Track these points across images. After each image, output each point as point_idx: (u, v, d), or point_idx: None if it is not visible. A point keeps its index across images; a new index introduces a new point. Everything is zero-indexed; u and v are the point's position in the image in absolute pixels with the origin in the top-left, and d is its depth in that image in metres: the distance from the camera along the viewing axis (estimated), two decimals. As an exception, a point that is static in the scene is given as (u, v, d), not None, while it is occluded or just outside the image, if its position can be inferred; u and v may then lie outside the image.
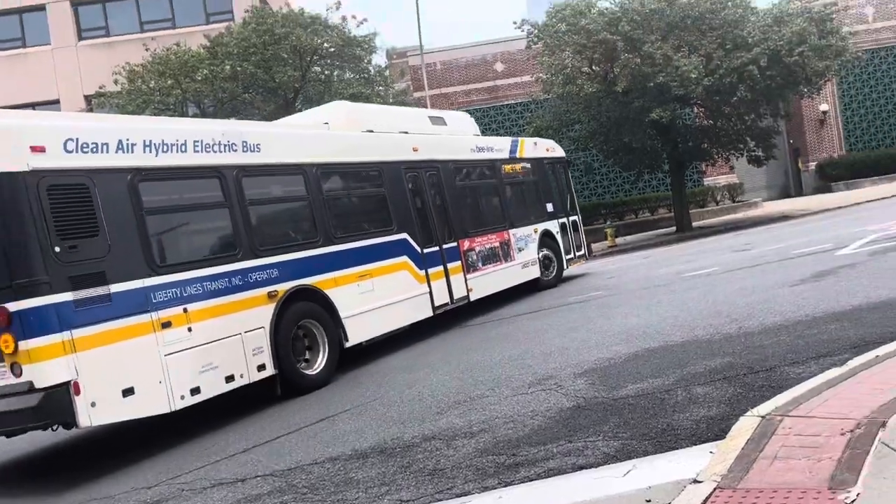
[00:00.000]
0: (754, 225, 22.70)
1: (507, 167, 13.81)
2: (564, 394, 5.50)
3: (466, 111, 30.25)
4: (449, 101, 32.67)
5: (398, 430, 5.43)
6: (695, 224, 25.83)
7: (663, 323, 7.57)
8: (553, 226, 14.60)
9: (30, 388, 5.79)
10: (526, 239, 13.63)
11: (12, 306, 5.78)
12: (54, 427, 6.28)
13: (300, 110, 22.02)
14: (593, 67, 23.68)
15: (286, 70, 21.30)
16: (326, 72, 24.15)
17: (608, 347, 6.85)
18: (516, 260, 13.10)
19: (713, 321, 7.14)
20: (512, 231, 13.18)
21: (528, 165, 14.53)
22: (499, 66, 33.62)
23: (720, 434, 3.92)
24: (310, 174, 9.00)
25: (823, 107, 34.47)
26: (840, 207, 23.00)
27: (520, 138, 15.35)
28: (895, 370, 4.11)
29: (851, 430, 3.30)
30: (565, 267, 14.78)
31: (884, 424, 3.26)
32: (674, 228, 25.56)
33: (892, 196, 23.39)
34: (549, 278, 14.12)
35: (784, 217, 23.41)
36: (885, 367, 4.22)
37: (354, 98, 21.67)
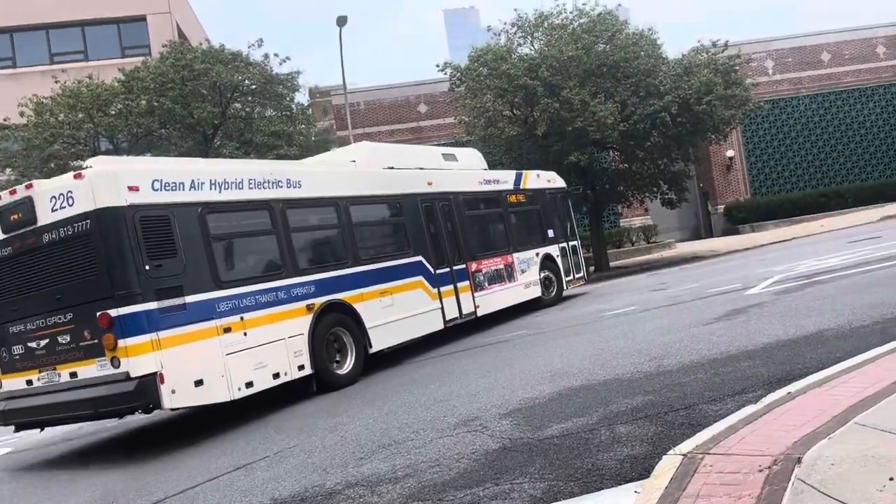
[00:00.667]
0: (668, 265, 23.50)
1: (512, 197, 15.35)
2: (490, 435, 5.46)
3: (390, 151, 30.03)
4: (372, 140, 32.74)
5: (320, 478, 5.24)
6: (612, 264, 26.52)
7: (586, 362, 7.66)
8: (553, 250, 16.14)
9: (126, 377, 7.31)
10: (528, 262, 15.08)
11: (114, 312, 7.36)
12: (142, 411, 7.75)
13: (219, 147, 21.62)
14: (514, 111, 24.27)
15: (205, 106, 20.89)
16: (247, 109, 23.81)
17: (532, 387, 6.86)
18: (519, 280, 14.55)
19: (633, 359, 7.26)
20: (515, 255, 14.66)
21: (531, 195, 15.94)
22: (422, 108, 34.07)
23: (644, 473, 3.95)
24: (341, 205, 10.66)
25: (730, 153, 36.36)
26: (747, 249, 24.13)
27: (524, 171, 16.57)
28: (807, 406, 4.25)
29: (769, 467, 3.38)
30: (565, 287, 16.29)
31: (799, 461, 3.35)
32: (592, 268, 26.17)
33: (794, 238, 24.74)
34: (550, 297, 15.60)
35: (696, 257, 24.36)
36: (797, 403, 4.37)
37: (276, 136, 21.47)
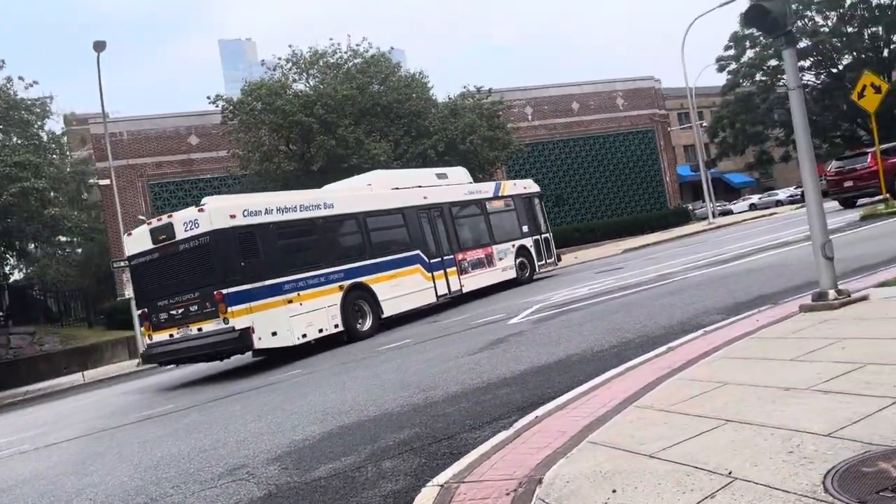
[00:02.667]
0: (443, 297, 24.37)
1: (492, 203, 20.07)
2: (256, 482, 5.27)
3: (157, 184, 28.48)
4: (137, 172, 30.65)
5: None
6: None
7: (358, 398, 7.70)
8: (528, 242, 20.82)
9: (233, 330, 12.49)
10: (505, 251, 19.84)
11: (224, 291, 12.52)
12: (237, 353, 13.65)
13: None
14: (290, 146, 24.10)
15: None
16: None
17: (303, 428, 6.75)
18: (497, 266, 19.41)
19: (404, 393, 7.44)
20: (494, 246, 19.49)
21: (508, 200, 20.65)
22: (193, 140, 32.56)
23: (406, 507, 4.04)
24: (360, 218, 15.88)
25: (496, 191, 38.78)
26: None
27: (502, 181, 21.72)
28: (551, 429, 4.63)
29: (515, 490, 3.62)
30: (537, 270, 21.17)
31: (540, 481, 3.63)
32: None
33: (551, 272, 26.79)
34: (524, 278, 20.29)
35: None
36: (543, 426, 4.74)
37: (20, 167, 19.34)
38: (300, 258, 14.40)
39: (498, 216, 20.13)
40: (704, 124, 49.51)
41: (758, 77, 49.12)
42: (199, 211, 13.04)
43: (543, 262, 21.39)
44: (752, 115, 48.60)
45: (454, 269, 18.00)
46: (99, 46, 22.21)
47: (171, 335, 13.60)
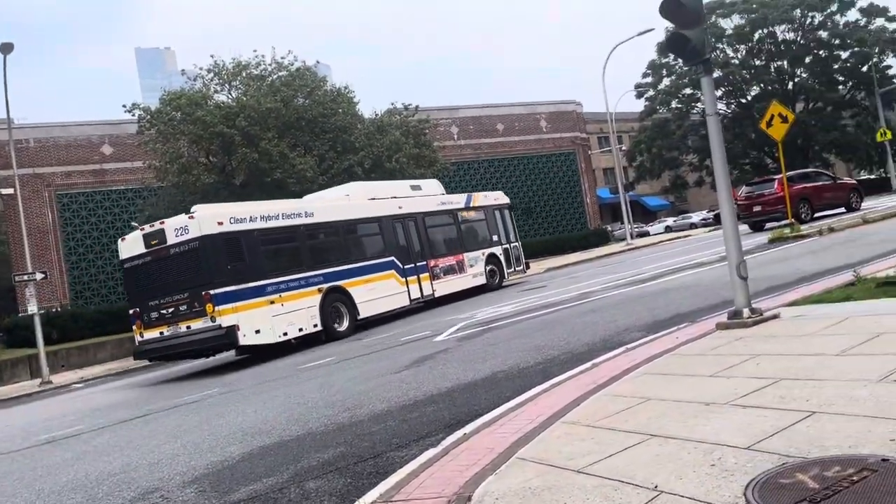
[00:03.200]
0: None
1: (463, 213, 21.39)
2: (171, 507, 5.02)
3: (66, 195, 27.48)
4: (44, 182, 29.25)
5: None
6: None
7: (280, 417, 7.48)
8: (498, 250, 22.15)
9: (220, 328, 13.62)
10: (476, 259, 21.11)
11: (212, 291, 13.65)
12: (223, 350, 15.22)
13: None
14: (210, 158, 23.48)
15: None
16: None
17: (222, 449, 6.50)
18: (468, 272, 20.71)
19: (328, 411, 7.28)
20: (465, 254, 20.77)
21: (479, 210, 21.95)
22: (106, 149, 31.33)
23: (331, 529, 3.92)
24: (339, 226, 17.12)
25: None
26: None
27: (474, 193, 22.77)
28: (479, 446, 4.60)
29: (444, 508, 3.56)
30: (506, 277, 22.45)
31: (469, 499, 3.59)
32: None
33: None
34: (494, 284, 21.64)
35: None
36: (471, 443, 4.71)
37: None
38: (282, 262, 15.68)
39: (469, 226, 21.67)
40: (623, 148, 51.20)
41: (673, 104, 51.24)
42: (189, 218, 14.40)
43: (512, 269, 22.91)
44: (668, 141, 50.55)
45: (427, 274, 19.36)
46: (6, 48, 21.14)
47: (161, 333, 14.78)
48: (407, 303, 18.47)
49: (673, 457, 3.58)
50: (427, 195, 20.93)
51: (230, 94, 24.35)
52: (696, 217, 56.18)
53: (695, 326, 7.43)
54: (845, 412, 3.69)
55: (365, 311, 16.94)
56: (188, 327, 14.27)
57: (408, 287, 18.47)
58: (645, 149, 52.59)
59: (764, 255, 15.18)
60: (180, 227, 14.30)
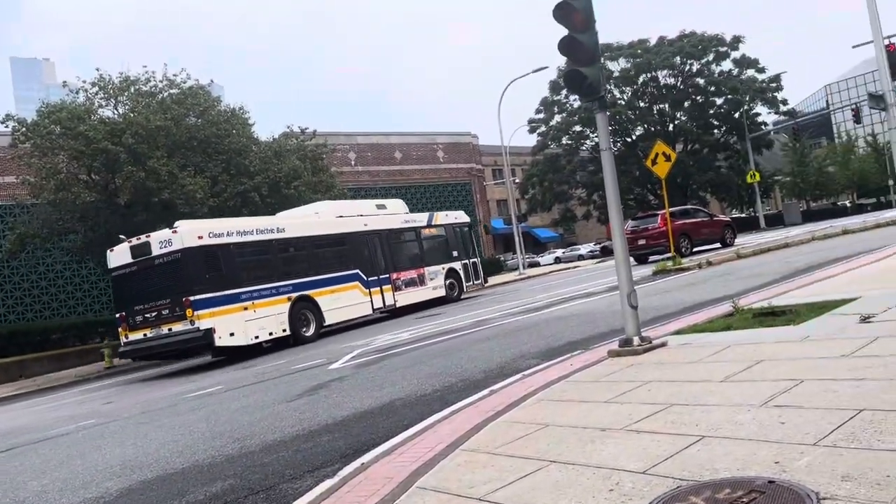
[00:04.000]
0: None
1: (425, 230, 23.40)
2: (38, 551, 4.59)
3: (-75, 210, 25.59)
4: None
5: None
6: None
7: (163, 450, 7.06)
8: (457, 265, 24.11)
9: (198, 330, 15.38)
10: (436, 273, 23.02)
11: (192, 298, 15.45)
12: (202, 352, 17.26)
13: None
14: (92, 176, 22.27)
15: None
16: None
17: (98, 484, 6.04)
18: (429, 285, 22.60)
19: (216, 443, 6.93)
20: (426, 268, 22.68)
21: (440, 228, 23.92)
22: (-25, 163, 29.05)
23: (220, 568, 3.69)
24: (307, 241, 18.89)
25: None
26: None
27: (435, 212, 24.90)
28: (377, 475, 4.48)
29: (343, 541, 3.43)
30: (465, 290, 24.60)
31: (370, 530, 3.47)
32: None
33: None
34: (453, 296, 23.67)
35: (284, 334, 24.71)
36: (369, 473, 4.59)
37: None
38: (255, 273, 17.38)
39: (430, 242, 23.50)
40: (517, 181, 52.57)
41: (564, 140, 53.26)
42: (172, 232, 16.13)
43: (471, 283, 25.01)
44: (559, 175, 52.39)
45: (389, 286, 21.15)
46: None
47: (144, 335, 16.51)
48: (370, 312, 20.49)
49: (572, 482, 3.61)
50: (391, 213, 22.83)
51: (116, 109, 23.22)
52: (583, 249, 58.31)
53: (588, 353, 7.62)
54: (732, 436, 3.84)
55: (330, 319, 18.97)
56: (170, 329, 16.07)
57: (371, 298, 20.37)
58: (537, 182, 54.27)
59: (650, 285, 15.87)
60: (164, 240, 16.14)
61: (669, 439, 4.00)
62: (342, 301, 19.26)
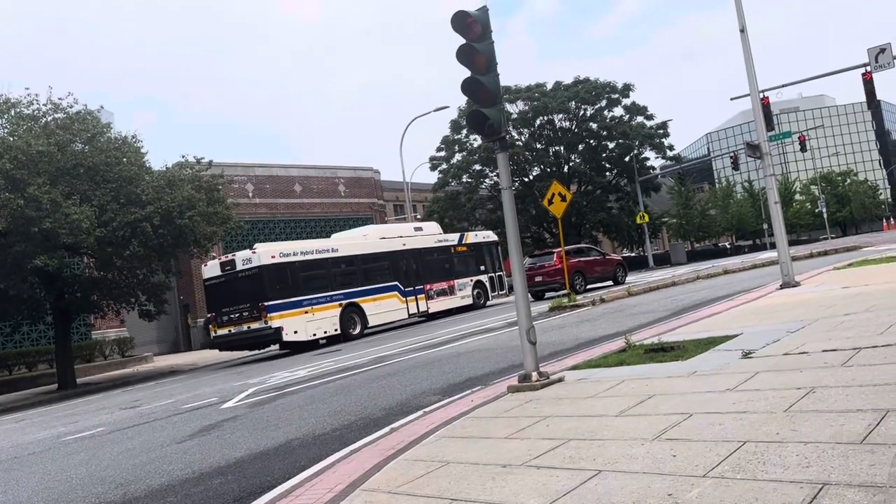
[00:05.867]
0: (145, 380, 22.35)
1: (456, 248, 27.61)
2: None
3: None
4: None
5: None
6: (81, 380, 24.06)
7: (35, 498, 6.54)
8: (484, 278, 28.40)
9: (271, 328, 20.64)
10: (465, 284, 27.39)
11: (267, 303, 20.72)
12: (275, 345, 22.62)
13: None
14: (-36, 202, 20.66)
15: None
16: None
17: (-41, 540, 5.52)
18: (457, 295, 26.99)
19: (97, 489, 6.49)
20: (456, 280, 27.01)
21: (469, 246, 28.05)
22: None
23: None
24: (356, 258, 23.66)
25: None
26: (224, 361, 24.54)
27: (466, 232, 29.99)
28: (274, 519, 4.31)
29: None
30: (490, 299, 28.65)
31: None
32: (56, 386, 23.27)
33: (268, 351, 26.05)
34: (480, 304, 27.73)
35: (174, 371, 23.74)
36: (266, 517, 4.41)
37: None
38: (314, 284, 22.17)
39: (460, 258, 27.60)
40: (418, 217, 52.87)
41: (464, 178, 54.14)
42: (252, 252, 21.22)
43: (496, 293, 28.99)
44: (459, 212, 53.08)
45: (423, 295, 25.67)
46: None
47: (229, 331, 21.59)
48: (406, 316, 25.03)
49: (474, 520, 3.59)
50: (426, 234, 27.21)
51: (-7, 132, 21.77)
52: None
53: (488, 389, 7.67)
54: (628, 470, 3.95)
55: (373, 321, 23.63)
56: (249, 327, 21.10)
57: (407, 305, 24.95)
58: (437, 219, 54.73)
59: (547, 321, 16.24)
60: (246, 259, 21.24)
61: (568, 474, 4.07)
62: (383, 307, 23.97)
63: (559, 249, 24.33)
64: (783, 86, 33.63)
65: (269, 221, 41.32)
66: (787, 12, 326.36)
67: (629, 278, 30.99)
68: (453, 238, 28.16)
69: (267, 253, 21.16)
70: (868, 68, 28.37)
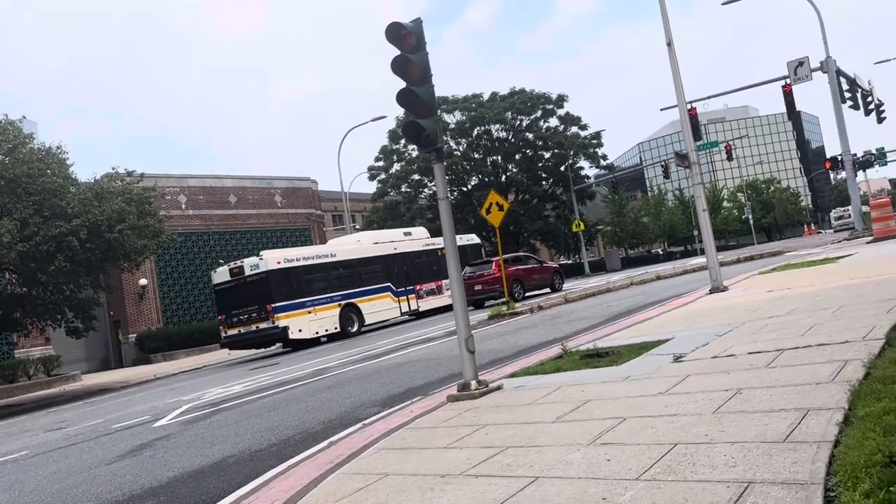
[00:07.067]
0: (73, 399, 21.49)
1: (442, 251, 26.90)
2: None
3: None
4: None
5: None
6: (2, 402, 22.98)
7: (-47, 529, 6.21)
8: None
9: (278, 328, 22.99)
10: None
11: (274, 305, 23.04)
12: (281, 344, 24.84)
13: None
14: None
15: None
16: None
17: None
18: (445, 294, 28.21)
19: (19, 517, 6.20)
20: (443, 281, 27.98)
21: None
22: None
23: None
24: (353, 262, 26.23)
25: (143, 281, 36.13)
26: (158, 378, 23.85)
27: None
28: (208, 540, 4.21)
29: None
30: None
31: None
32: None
33: (204, 366, 25.50)
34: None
35: (104, 390, 22.91)
36: (199, 538, 4.29)
37: None
38: (315, 286, 24.38)
39: (443, 259, 28.02)
40: (357, 227, 52.57)
41: (403, 188, 54.17)
42: (259, 259, 23.61)
43: None
44: (398, 223, 53.01)
45: (413, 295, 27.87)
46: None
47: (239, 331, 23.76)
48: (399, 315, 27.22)
49: (413, 532, 3.58)
50: (415, 239, 29.32)
51: None
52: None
53: (428, 399, 7.67)
54: (564, 475, 4.01)
55: (369, 320, 25.88)
56: (257, 327, 23.26)
57: (399, 304, 27.17)
58: (377, 228, 54.54)
59: (486, 329, 16.35)
60: (253, 265, 23.48)
61: (505, 482, 4.09)
62: (378, 307, 26.17)
63: (498, 258, 24.56)
64: (710, 97, 34.86)
65: (204, 233, 40.43)
66: (713, 26, 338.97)
67: (566, 285, 31.52)
68: (440, 242, 29.04)
69: (273, 259, 23.57)
70: (788, 81, 29.70)
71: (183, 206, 39.71)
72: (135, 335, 35.87)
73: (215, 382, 16.48)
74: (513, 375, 8.01)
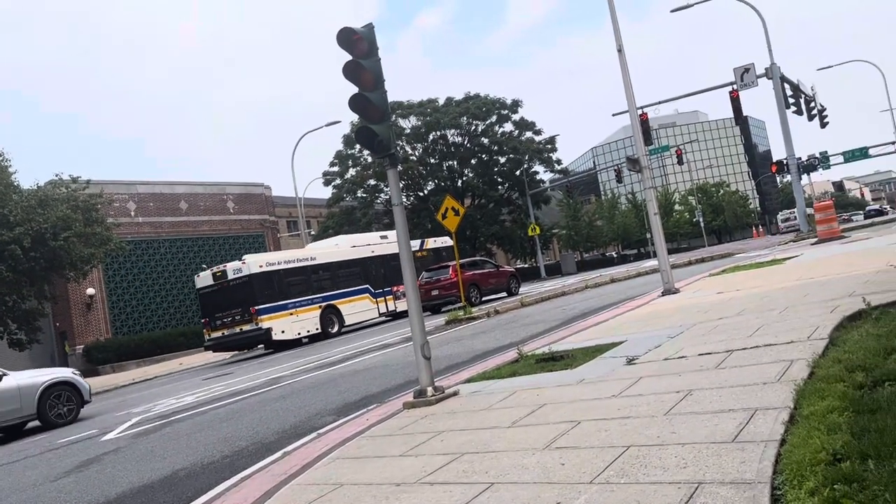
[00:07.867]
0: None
1: (418, 253, 29.44)
2: None
3: None
4: None
5: None
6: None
7: None
8: None
9: (261, 329, 23.74)
10: None
11: (257, 307, 23.78)
12: (264, 346, 25.90)
13: None
14: None
15: None
16: None
17: None
18: None
19: (-43, 539, 5.95)
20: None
21: (429, 251, 31.24)
22: None
23: None
24: (332, 265, 27.32)
25: (90, 291, 35.18)
26: (107, 390, 23.23)
27: (426, 238, 32.82)
28: (157, 557, 4.09)
29: None
30: None
31: None
32: None
33: (155, 377, 24.96)
34: None
35: (50, 403, 22.14)
36: (148, 555, 4.18)
37: None
38: (297, 289, 25.15)
39: (422, 262, 29.25)
40: (312, 233, 52.10)
41: (359, 193, 53.90)
42: (242, 263, 24.08)
43: None
44: (354, 228, 52.72)
45: (391, 296, 28.73)
46: None
47: (223, 333, 24.33)
48: (377, 315, 28.15)
49: (368, 543, 3.54)
50: (391, 241, 29.04)
51: None
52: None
53: (384, 407, 7.62)
54: (519, 480, 4.01)
55: (349, 321, 26.79)
56: (241, 329, 23.81)
57: (377, 305, 28.18)
58: (332, 234, 54.14)
59: (443, 335, 16.34)
60: (236, 269, 24.07)
61: (461, 489, 4.08)
62: (357, 308, 27.07)
63: (454, 263, 24.58)
64: (660, 102, 35.50)
65: (154, 241, 39.59)
66: (663, 33, 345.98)
67: (522, 289, 31.72)
68: (415, 244, 29.62)
69: (255, 262, 24.28)
70: (735, 86, 30.47)
71: (132, 214, 38.84)
72: (82, 346, 34.89)
73: (167, 393, 16.12)
74: (469, 381, 8.01)
